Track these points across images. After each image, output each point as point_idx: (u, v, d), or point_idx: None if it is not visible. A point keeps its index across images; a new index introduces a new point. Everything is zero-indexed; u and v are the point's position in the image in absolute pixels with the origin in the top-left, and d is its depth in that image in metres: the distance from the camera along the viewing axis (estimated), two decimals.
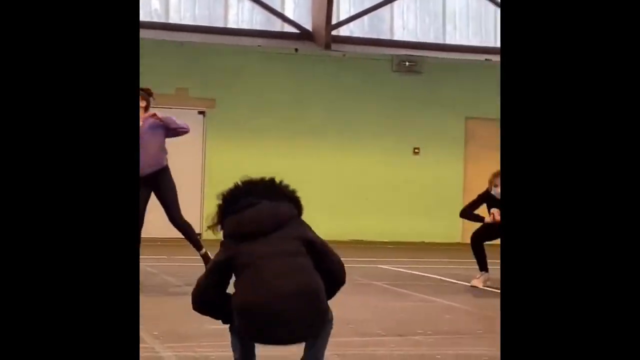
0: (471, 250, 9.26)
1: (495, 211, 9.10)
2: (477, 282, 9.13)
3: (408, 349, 5.53)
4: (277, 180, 4.31)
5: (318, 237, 4.25)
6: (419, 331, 6.16)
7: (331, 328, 4.19)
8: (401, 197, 16.77)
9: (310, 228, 4.27)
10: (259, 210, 4.17)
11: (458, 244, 16.25)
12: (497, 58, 17.89)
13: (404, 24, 18.12)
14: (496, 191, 9.10)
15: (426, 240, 16.60)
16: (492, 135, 19.03)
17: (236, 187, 4.28)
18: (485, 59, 17.75)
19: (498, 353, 5.45)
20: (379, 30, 17.97)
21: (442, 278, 9.95)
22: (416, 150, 17.14)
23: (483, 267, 9.21)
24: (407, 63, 17.06)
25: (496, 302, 8.14)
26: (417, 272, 10.65)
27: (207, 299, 4.17)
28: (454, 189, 16.93)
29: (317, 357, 4.15)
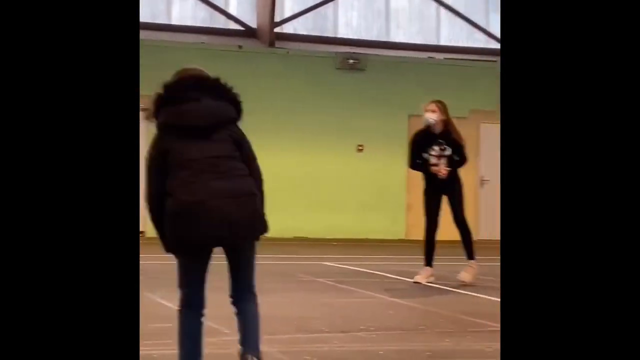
0: (424, 246, 9.28)
1: (439, 168, 9.12)
2: (420, 278, 9.20)
3: (351, 345, 5.57)
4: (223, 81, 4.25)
5: (248, 143, 4.22)
6: (362, 327, 6.20)
7: (257, 305, 4.20)
8: (345, 194, 16.83)
9: (244, 134, 4.23)
10: (201, 106, 4.10)
11: (402, 240, 16.36)
12: (440, 56, 18.05)
13: (347, 21, 18.17)
14: (428, 117, 9.16)
15: (370, 237, 16.68)
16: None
17: (181, 78, 4.19)
18: (429, 57, 17.89)
19: (439, 348, 5.53)
20: (322, 27, 18.00)
21: (385, 274, 10.02)
22: (360, 148, 17.21)
23: (429, 262, 9.27)
24: (350, 61, 17.13)
25: (439, 298, 8.24)
26: (361, 269, 10.70)
27: (157, 201, 4.04)
28: (397, 186, 17.04)
29: (252, 263, 4.15)
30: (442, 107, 9.29)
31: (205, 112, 4.10)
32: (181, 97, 4.10)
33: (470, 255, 9.24)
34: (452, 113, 19.22)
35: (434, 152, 9.18)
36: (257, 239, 4.12)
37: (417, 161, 9.31)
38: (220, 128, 4.11)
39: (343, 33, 18.13)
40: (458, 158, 9.21)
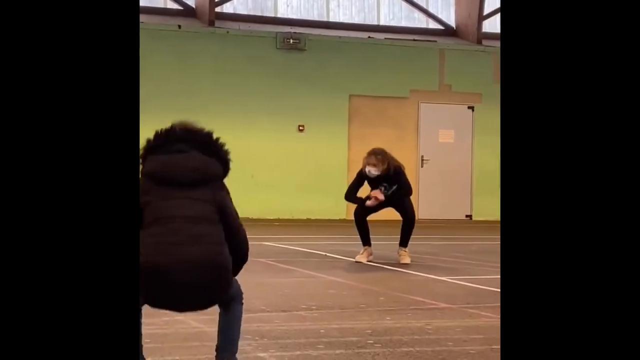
0: (355, 226, 9.38)
1: (375, 193, 9.21)
2: (361, 257, 9.25)
3: (292, 324, 5.56)
4: (215, 136, 4.15)
5: (233, 208, 4.08)
6: (303, 306, 6.20)
7: (241, 305, 4.08)
8: (286, 174, 16.81)
9: (229, 195, 4.11)
10: (187, 159, 3.99)
11: (343, 220, 16.40)
12: (380, 35, 18.08)
13: (287, 1, 18.10)
14: (369, 170, 9.22)
15: (311, 217, 16.70)
16: (375, 113, 19.29)
17: (172, 129, 4.09)
18: (369, 37, 17.90)
19: (380, 326, 5.55)
20: (262, 7, 17.90)
21: (326, 254, 10.04)
22: (301, 128, 17.20)
23: (366, 242, 9.33)
24: (291, 40, 17.07)
25: (379, 277, 8.28)
26: (302, 249, 10.71)
27: None
28: (338, 166, 17.07)
29: (232, 338, 4.04)
30: (382, 157, 9.25)
31: (190, 165, 4.00)
32: (168, 148, 4.00)
33: (404, 243, 9.30)
34: (393, 93, 19.36)
35: (377, 191, 9.30)
36: (216, 304, 4.02)
37: (354, 196, 9.43)
38: (204, 186, 4.00)
39: (283, 13, 18.06)
40: (403, 190, 9.32)
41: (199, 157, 4.04)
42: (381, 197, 9.17)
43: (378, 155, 9.26)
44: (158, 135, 4.10)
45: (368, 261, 9.18)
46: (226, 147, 4.20)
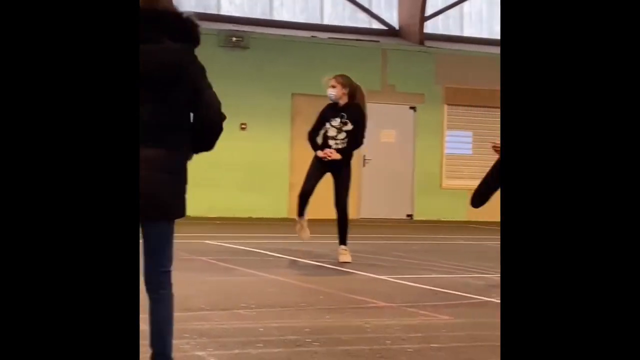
0: (298, 199, 9.40)
1: (331, 152, 9.19)
2: (302, 234, 9.29)
3: (231, 323, 5.56)
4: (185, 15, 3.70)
5: (208, 85, 3.83)
6: (243, 305, 6.20)
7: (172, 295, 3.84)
8: (228, 173, 16.76)
9: (204, 73, 3.80)
10: (154, 54, 3.61)
11: (284, 219, 16.38)
12: (323, 35, 18.10)
13: None
14: (329, 93, 9.24)
15: (253, 216, 16.67)
16: (318, 112, 19.26)
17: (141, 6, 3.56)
18: (312, 36, 17.92)
19: (319, 324, 5.57)
20: (205, 4, 17.82)
21: (267, 252, 10.03)
22: (243, 126, 17.15)
23: (300, 213, 9.34)
24: (234, 38, 17.02)
25: (319, 276, 8.30)
26: (243, 247, 10.69)
27: None
28: (281, 165, 17.07)
29: (161, 249, 3.78)
30: (343, 80, 9.32)
31: (162, 59, 3.63)
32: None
33: (343, 241, 9.29)
34: None
35: (334, 124, 9.28)
36: (167, 219, 3.78)
37: (315, 137, 9.38)
38: (179, 82, 3.64)
39: (226, 10, 18.00)
40: (356, 136, 9.27)
41: (172, 47, 3.69)
42: (336, 156, 9.15)
43: (338, 77, 9.29)
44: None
45: (305, 238, 9.21)
46: (197, 22, 3.82)
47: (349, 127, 9.22)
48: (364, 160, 17.90)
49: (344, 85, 9.28)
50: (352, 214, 14.54)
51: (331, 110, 9.35)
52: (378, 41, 18.58)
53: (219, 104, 3.93)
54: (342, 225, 9.26)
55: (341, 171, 9.24)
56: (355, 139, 9.26)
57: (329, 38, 18.04)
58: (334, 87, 9.27)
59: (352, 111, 9.26)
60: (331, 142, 9.22)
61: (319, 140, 9.35)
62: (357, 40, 18.31)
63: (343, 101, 9.28)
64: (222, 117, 3.93)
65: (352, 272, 8.56)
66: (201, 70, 3.86)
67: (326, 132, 9.29)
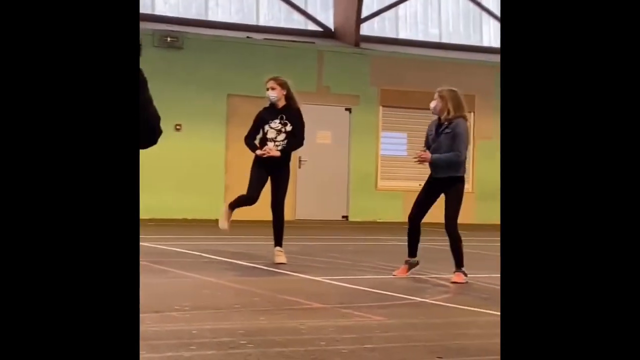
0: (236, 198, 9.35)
1: (267, 148, 9.16)
2: (223, 222, 9.26)
3: (164, 325, 5.49)
4: None
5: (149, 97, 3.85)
6: (176, 307, 6.14)
7: None
8: (163, 174, 16.61)
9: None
10: None
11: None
12: (259, 36, 18.06)
13: None
14: (268, 94, 9.24)
15: (188, 217, 16.56)
16: (254, 113, 19.23)
17: None
18: (247, 37, 17.87)
19: (254, 326, 5.55)
20: (140, 4, 17.66)
21: (202, 254, 9.96)
22: (178, 127, 17.03)
23: (233, 208, 9.31)
24: (168, 39, 16.89)
25: (254, 277, 8.27)
26: (177, 249, 10.61)
27: None
28: (216, 166, 16.99)
29: None
30: (282, 82, 9.36)
31: None
32: None
33: (279, 242, 9.28)
34: None
35: (274, 125, 9.25)
36: None
37: (252, 140, 9.34)
38: None
39: (161, 10, 17.86)
40: (296, 137, 9.25)
41: None
42: (275, 153, 9.11)
43: (277, 79, 9.32)
44: None
45: (227, 224, 9.19)
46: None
47: (289, 127, 9.23)
48: (300, 162, 17.90)
49: (282, 87, 9.31)
50: (287, 215, 14.55)
51: (269, 113, 9.35)
52: (313, 42, 18.60)
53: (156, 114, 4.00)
54: (278, 226, 9.25)
55: (281, 172, 9.24)
56: (295, 139, 9.27)
57: (265, 39, 18.01)
58: (274, 89, 9.27)
59: (291, 112, 9.27)
60: (270, 144, 9.20)
61: (256, 143, 9.34)
62: (292, 41, 18.32)
63: (282, 103, 9.29)
64: (158, 118, 3.92)
65: (287, 274, 8.54)
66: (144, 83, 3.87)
67: (265, 134, 9.28)
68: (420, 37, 20.07)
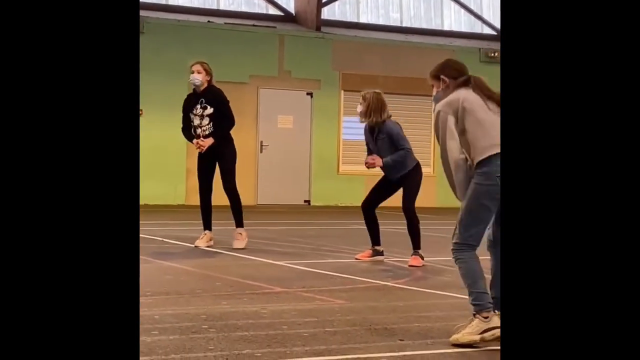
0: (200, 210, 9.30)
1: (199, 142, 9.14)
2: (200, 242, 9.21)
3: None
4: None
5: None
6: None
7: None
8: None
9: None
10: None
11: (182, 205, 16.27)
12: (220, 20, 17.98)
13: None
14: (193, 77, 9.14)
15: (149, 203, 16.48)
16: None
17: None
18: (208, 21, 17.79)
19: (215, 311, 5.56)
20: None
21: (164, 239, 9.94)
22: (140, 112, 16.93)
23: (207, 226, 9.29)
24: None
25: (217, 262, 8.27)
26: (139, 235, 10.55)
27: None
28: (177, 151, 16.92)
29: None
30: (207, 67, 9.27)
31: None
32: None
33: (239, 223, 9.28)
34: (232, 78, 19.31)
35: (196, 112, 9.21)
36: None
37: (188, 131, 9.32)
38: None
39: None
40: (223, 117, 9.18)
41: None
42: (209, 143, 9.10)
43: (203, 63, 9.23)
44: None
45: (207, 246, 9.15)
46: None
47: (210, 110, 9.17)
48: (261, 146, 17.88)
49: (207, 73, 9.21)
50: (249, 200, 14.55)
51: (190, 100, 9.30)
52: (275, 27, 18.55)
53: None
54: (234, 209, 9.24)
55: (223, 155, 9.19)
56: (221, 119, 9.18)
57: (225, 23, 17.94)
58: (199, 72, 9.19)
59: (210, 95, 9.20)
60: (199, 131, 9.21)
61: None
62: (253, 25, 18.26)
63: (203, 87, 9.22)
64: None
65: (249, 258, 8.55)
66: None
67: (192, 122, 9.27)
68: (381, 21, 20.10)
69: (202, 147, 9.14)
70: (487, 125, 4.78)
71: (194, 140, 9.20)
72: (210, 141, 9.11)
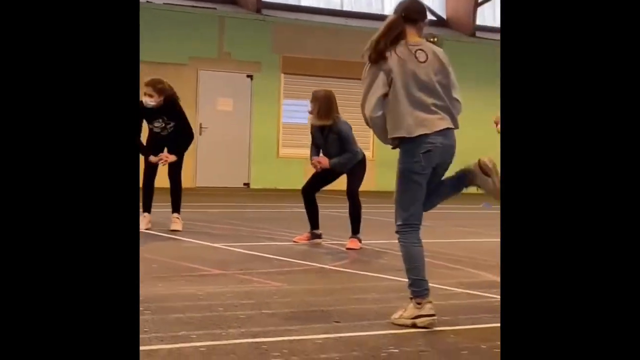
0: (142, 192, 9.24)
1: (165, 156, 9.12)
2: (139, 224, 9.15)
3: None
4: None
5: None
6: None
7: None
8: None
9: None
10: None
11: None
12: (158, 0, 17.77)
13: None
14: (146, 101, 8.99)
15: None
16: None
17: None
18: (147, 1, 17.59)
19: (152, 293, 5.51)
20: None
21: None
22: None
23: (146, 208, 9.22)
24: None
25: (154, 244, 8.19)
26: None
27: None
28: None
29: None
30: (159, 87, 9.05)
31: None
32: None
33: (176, 209, 9.27)
34: (171, 60, 19.10)
35: (157, 125, 9.18)
36: None
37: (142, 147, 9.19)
38: None
39: None
40: (182, 132, 9.18)
41: None
42: (173, 158, 9.09)
43: (157, 85, 9.06)
44: None
45: (146, 229, 9.06)
46: None
47: (172, 124, 9.15)
48: (201, 129, 17.77)
49: (160, 93, 9.03)
50: (188, 182, 14.45)
51: (148, 113, 9.11)
52: (215, 8, 18.41)
53: None
54: (175, 193, 9.23)
55: (176, 142, 9.20)
56: (184, 137, 9.22)
57: (165, 4, 17.75)
58: (151, 96, 8.99)
59: (170, 111, 9.12)
60: (159, 137, 9.21)
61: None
62: (193, 6, 18.09)
63: (160, 104, 9.06)
64: None
65: (187, 241, 8.50)
66: None
67: (152, 131, 9.22)
68: (322, 5, 20.07)
69: (164, 162, 9.16)
70: (413, 104, 4.80)
71: (160, 155, 9.14)
72: (173, 158, 9.13)
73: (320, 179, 8.62)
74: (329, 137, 8.42)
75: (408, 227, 4.84)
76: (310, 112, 8.47)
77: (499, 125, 6.70)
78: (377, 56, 4.80)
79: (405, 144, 4.82)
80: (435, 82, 4.85)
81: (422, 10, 4.99)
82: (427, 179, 4.85)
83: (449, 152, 4.89)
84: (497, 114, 6.81)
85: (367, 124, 4.97)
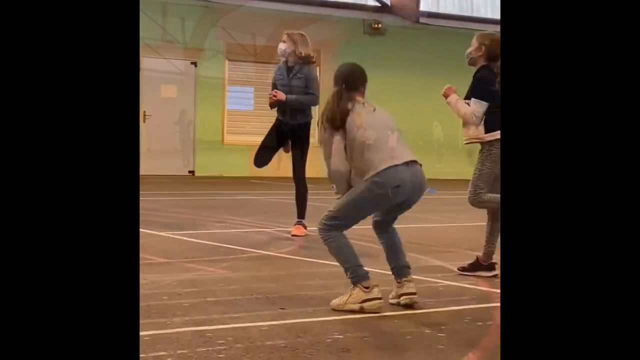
0: None
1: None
2: None
3: None
4: None
5: None
6: None
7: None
8: None
9: None
10: None
11: None
12: None
13: None
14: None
15: None
16: None
17: None
18: None
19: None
20: None
21: None
22: None
23: None
24: None
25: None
26: None
27: None
28: None
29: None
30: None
31: None
32: None
33: None
34: None
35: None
36: None
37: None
38: None
39: None
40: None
41: None
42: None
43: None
44: None
45: None
46: None
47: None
48: (144, 116, 17.63)
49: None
50: None
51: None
52: None
53: None
54: None
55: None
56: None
57: None
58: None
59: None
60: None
61: None
62: None
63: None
64: None
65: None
66: None
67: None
68: None
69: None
70: (377, 144, 4.90)
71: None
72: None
73: (296, 158, 8.41)
74: (296, 77, 8.29)
75: (333, 227, 4.92)
76: (283, 53, 8.33)
77: (450, 97, 6.51)
78: (340, 125, 4.95)
79: (378, 176, 4.90)
80: None
81: (359, 77, 5.10)
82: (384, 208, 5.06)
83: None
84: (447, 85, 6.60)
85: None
